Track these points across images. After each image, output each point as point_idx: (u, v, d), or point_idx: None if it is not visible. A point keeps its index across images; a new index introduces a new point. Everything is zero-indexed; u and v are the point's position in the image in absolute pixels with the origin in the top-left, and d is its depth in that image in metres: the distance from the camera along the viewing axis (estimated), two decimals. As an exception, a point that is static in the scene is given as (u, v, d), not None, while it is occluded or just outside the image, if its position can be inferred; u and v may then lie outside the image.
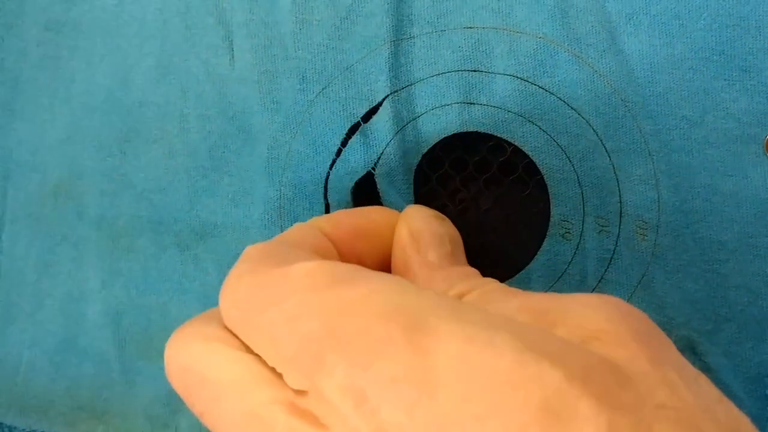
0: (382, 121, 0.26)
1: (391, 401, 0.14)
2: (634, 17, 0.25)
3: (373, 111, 0.26)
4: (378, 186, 0.26)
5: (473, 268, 0.20)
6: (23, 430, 0.28)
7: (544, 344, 0.14)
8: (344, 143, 0.26)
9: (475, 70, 0.26)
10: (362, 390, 0.14)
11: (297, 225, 0.21)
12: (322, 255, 0.20)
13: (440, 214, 0.22)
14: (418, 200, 0.26)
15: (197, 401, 0.17)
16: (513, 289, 0.18)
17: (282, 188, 0.27)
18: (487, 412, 0.13)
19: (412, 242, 0.21)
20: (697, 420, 0.14)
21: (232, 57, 0.27)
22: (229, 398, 0.16)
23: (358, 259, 0.21)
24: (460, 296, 0.18)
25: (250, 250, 0.18)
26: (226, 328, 0.18)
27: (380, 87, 0.26)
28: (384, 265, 0.22)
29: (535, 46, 0.25)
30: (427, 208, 0.22)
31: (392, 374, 0.14)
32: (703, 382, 0.15)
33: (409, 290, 0.16)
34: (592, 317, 0.16)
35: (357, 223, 0.22)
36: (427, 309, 0.15)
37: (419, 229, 0.21)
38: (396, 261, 0.21)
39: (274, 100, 0.27)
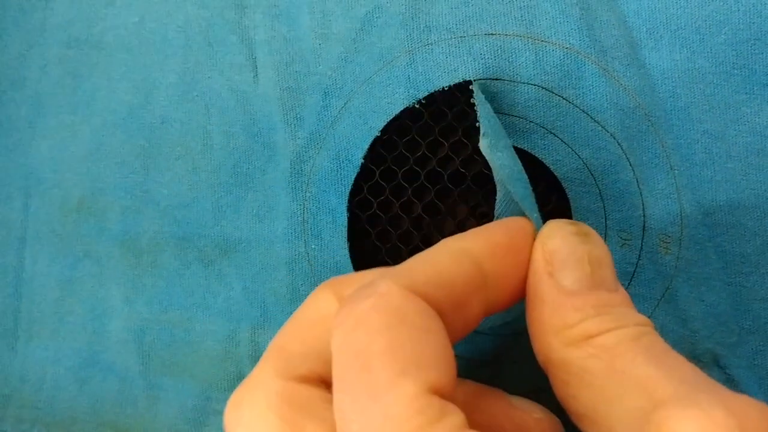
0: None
1: None
2: (655, 32, 0.25)
3: (392, 123, 0.26)
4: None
5: (622, 295, 0.18)
6: (48, 446, 0.29)
7: None
8: (366, 157, 0.26)
9: (496, 79, 0.26)
10: None
11: (432, 256, 0.17)
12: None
13: (585, 228, 0.19)
14: (440, 214, 0.26)
15: None
16: (657, 348, 0.16)
17: (305, 203, 0.27)
18: None
19: (545, 265, 0.18)
20: None
21: (256, 74, 0.27)
22: None
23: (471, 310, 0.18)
24: (590, 337, 0.16)
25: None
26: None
27: (398, 99, 0.26)
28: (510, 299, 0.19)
29: (562, 57, 0.25)
30: (569, 222, 0.19)
31: None
32: None
33: None
34: None
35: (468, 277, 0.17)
36: None
37: (555, 249, 0.18)
38: (529, 288, 0.18)
39: (297, 116, 0.27)
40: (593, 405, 0.16)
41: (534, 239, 0.19)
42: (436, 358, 0.15)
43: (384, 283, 0.16)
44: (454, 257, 0.17)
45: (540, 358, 0.18)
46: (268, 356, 0.18)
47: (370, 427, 0.14)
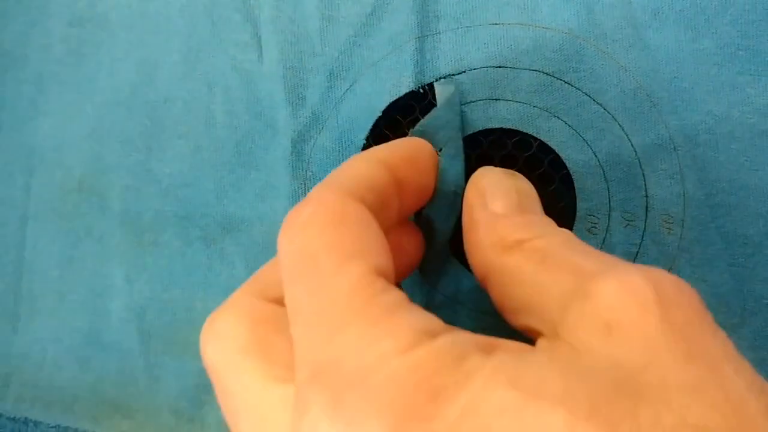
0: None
1: None
2: (660, 12, 0.25)
3: (395, 104, 0.26)
4: None
5: (546, 218, 0.20)
6: (48, 425, 0.28)
7: (547, 381, 0.14)
8: (368, 138, 0.26)
9: (500, 66, 0.26)
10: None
11: (356, 165, 0.19)
12: (379, 199, 0.19)
13: (511, 171, 0.21)
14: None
15: (220, 399, 0.18)
16: (581, 246, 0.18)
17: (306, 182, 0.27)
18: None
19: (478, 197, 0.20)
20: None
21: (260, 53, 0.27)
22: (246, 421, 0.17)
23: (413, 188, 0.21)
24: (521, 242, 0.18)
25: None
26: (264, 322, 0.17)
27: (405, 83, 0.26)
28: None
29: (561, 42, 0.25)
30: (496, 168, 0.22)
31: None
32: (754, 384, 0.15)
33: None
34: (622, 300, 0.15)
35: (410, 155, 0.21)
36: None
37: (485, 184, 0.21)
38: (465, 223, 0.21)
39: (300, 95, 0.27)
40: (528, 298, 0.17)
41: (431, 155, 0.22)
42: (377, 246, 0.17)
43: (319, 191, 0.17)
44: (375, 166, 0.19)
45: (479, 275, 0.19)
46: (246, 283, 0.19)
47: (321, 309, 0.15)
